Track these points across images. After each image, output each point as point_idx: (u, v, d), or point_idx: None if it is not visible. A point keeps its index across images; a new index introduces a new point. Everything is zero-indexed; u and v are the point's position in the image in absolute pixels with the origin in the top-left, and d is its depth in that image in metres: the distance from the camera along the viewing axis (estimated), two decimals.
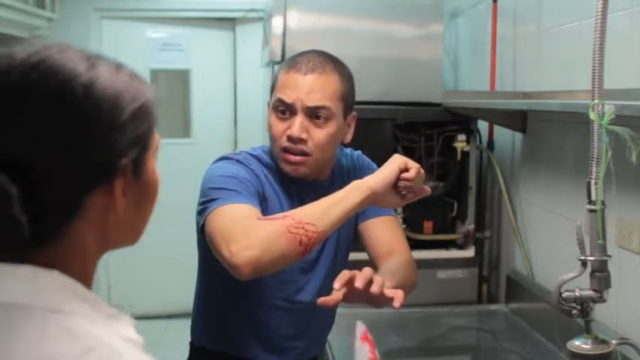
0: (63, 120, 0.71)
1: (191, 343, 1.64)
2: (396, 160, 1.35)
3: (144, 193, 0.80)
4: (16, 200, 0.67)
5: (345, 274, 1.26)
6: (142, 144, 0.78)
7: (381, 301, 1.27)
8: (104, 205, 0.75)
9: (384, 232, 1.59)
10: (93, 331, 0.71)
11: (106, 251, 0.81)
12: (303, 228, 1.24)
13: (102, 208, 0.75)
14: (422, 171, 1.38)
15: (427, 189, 1.41)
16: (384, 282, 1.28)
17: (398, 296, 1.26)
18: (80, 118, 0.72)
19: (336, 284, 1.25)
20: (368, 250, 1.60)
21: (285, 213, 1.30)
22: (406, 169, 1.35)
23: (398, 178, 1.35)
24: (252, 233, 1.23)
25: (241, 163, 1.47)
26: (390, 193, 1.35)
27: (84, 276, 0.76)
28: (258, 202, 1.40)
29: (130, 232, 0.82)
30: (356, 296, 1.26)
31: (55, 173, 0.70)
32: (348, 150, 1.69)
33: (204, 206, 1.36)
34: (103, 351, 0.69)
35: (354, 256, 1.66)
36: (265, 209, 1.43)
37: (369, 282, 1.25)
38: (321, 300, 1.26)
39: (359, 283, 1.23)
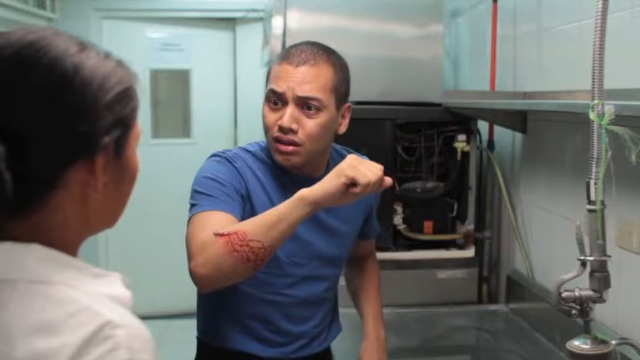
0: (52, 92, 0.76)
1: (197, 339, 1.66)
2: (342, 174, 1.28)
3: (123, 173, 0.85)
4: (2, 156, 0.72)
5: None
6: (124, 126, 0.83)
7: None
8: (85, 180, 0.79)
9: (365, 243, 1.78)
10: (74, 296, 0.75)
11: (89, 233, 0.85)
12: (247, 245, 1.26)
13: (82, 183, 0.79)
14: (379, 178, 1.29)
15: (388, 181, 1.33)
16: None
17: None
18: (69, 93, 0.77)
19: None
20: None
21: (234, 228, 1.29)
22: (353, 184, 1.27)
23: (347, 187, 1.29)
24: (205, 250, 1.28)
25: (228, 161, 1.49)
26: (340, 198, 1.29)
27: (67, 251, 0.80)
28: (238, 204, 1.43)
29: (108, 213, 0.86)
30: None
31: (41, 139, 0.75)
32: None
33: (189, 208, 1.43)
34: (84, 314, 0.74)
35: None
36: (252, 207, 1.46)
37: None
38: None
39: None
